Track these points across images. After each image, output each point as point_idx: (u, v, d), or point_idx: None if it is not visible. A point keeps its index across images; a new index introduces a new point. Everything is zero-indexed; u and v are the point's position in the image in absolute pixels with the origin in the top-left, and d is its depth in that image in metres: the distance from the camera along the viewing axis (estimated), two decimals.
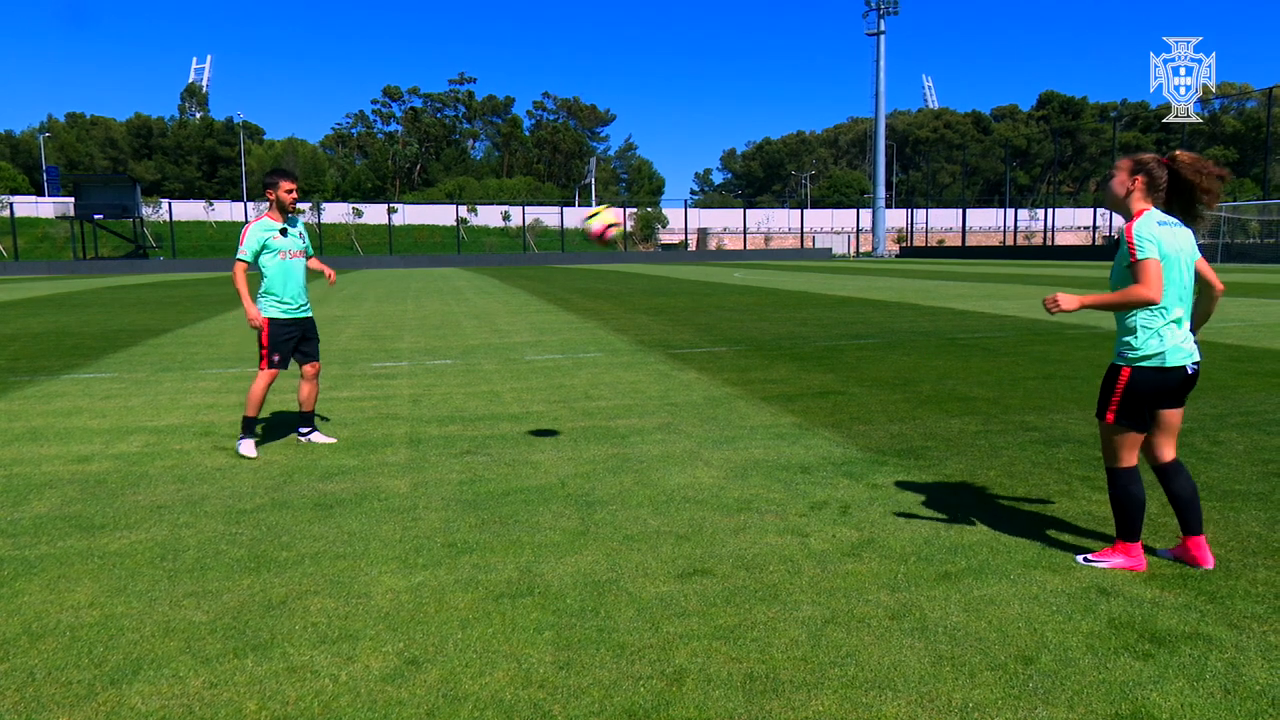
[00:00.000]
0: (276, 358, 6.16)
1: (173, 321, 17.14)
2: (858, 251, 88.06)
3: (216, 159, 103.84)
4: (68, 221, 67.08)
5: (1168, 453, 3.82)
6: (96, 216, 63.96)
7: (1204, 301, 3.88)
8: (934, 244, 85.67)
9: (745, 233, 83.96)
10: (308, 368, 6.39)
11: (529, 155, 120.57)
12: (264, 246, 6.10)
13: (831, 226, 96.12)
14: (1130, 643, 3.07)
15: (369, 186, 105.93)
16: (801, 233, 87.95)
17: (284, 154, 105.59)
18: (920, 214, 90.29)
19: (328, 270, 6.73)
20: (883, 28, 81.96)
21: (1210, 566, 3.72)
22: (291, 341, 6.25)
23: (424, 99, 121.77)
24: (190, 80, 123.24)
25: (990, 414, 6.95)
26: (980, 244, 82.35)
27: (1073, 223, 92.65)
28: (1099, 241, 72.97)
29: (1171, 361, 3.63)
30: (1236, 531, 4.17)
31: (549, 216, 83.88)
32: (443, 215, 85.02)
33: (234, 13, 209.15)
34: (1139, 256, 3.54)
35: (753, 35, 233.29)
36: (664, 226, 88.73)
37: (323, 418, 7.23)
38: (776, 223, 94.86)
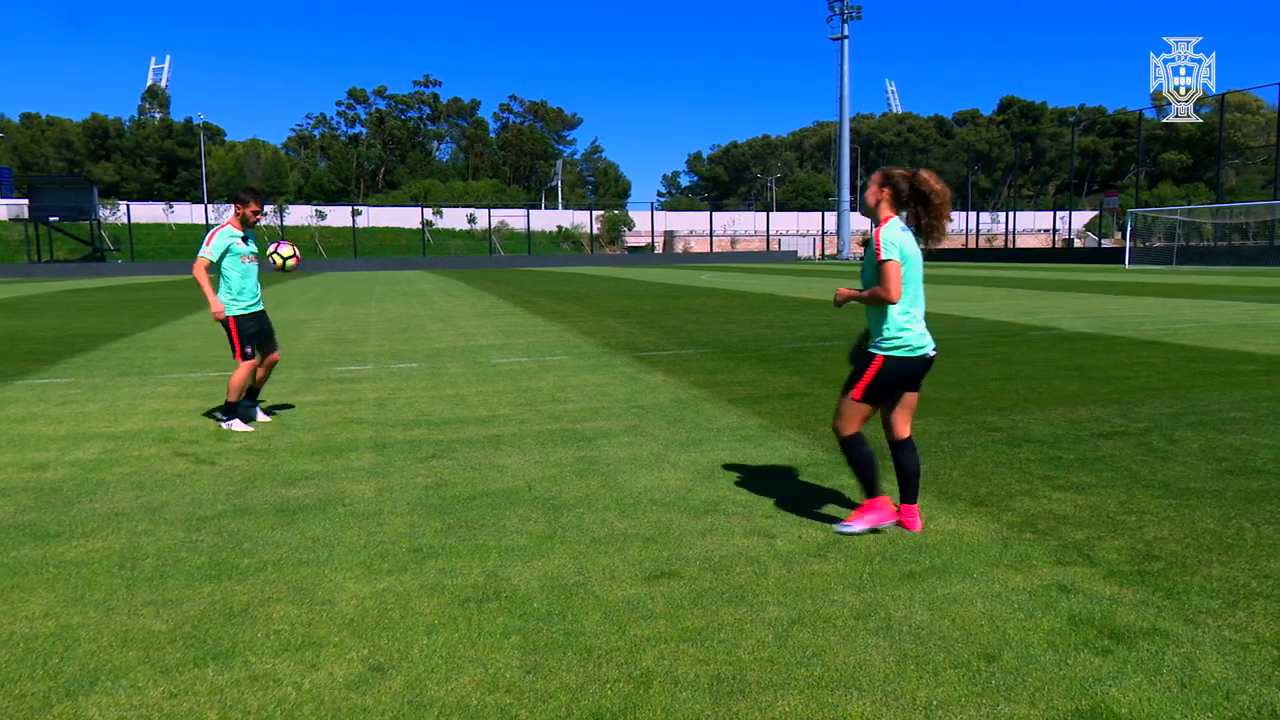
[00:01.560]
0: (249, 349, 7.00)
1: (131, 325, 16.84)
2: (823, 254, 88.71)
3: (176, 161, 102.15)
4: (22, 224, 65.57)
5: (904, 430, 4.36)
6: (52, 219, 62.56)
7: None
8: None
9: (711, 235, 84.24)
10: (269, 357, 7.34)
11: (495, 158, 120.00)
12: (228, 250, 6.91)
13: (797, 229, 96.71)
14: (1090, 639, 3.13)
15: (333, 189, 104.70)
16: (767, 235, 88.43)
17: (245, 156, 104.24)
18: None
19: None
20: (846, 32, 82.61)
21: (919, 530, 4.28)
22: (255, 331, 7.11)
23: (389, 100, 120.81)
24: (149, 81, 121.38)
25: (953, 415, 7.03)
26: (943, 246, 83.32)
27: (1033, 225, 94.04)
28: (1059, 244, 74.17)
29: (916, 350, 4.16)
30: (1192, 528, 4.26)
31: (515, 219, 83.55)
32: (408, 218, 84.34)
33: (194, 12, 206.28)
34: (884, 257, 4.05)
35: (718, 39, 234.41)
36: (630, 229, 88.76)
37: (279, 407, 7.54)
38: (743, 225, 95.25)
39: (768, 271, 44.66)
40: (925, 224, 4.15)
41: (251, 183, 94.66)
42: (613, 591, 3.63)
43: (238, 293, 6.96)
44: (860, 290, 4.19)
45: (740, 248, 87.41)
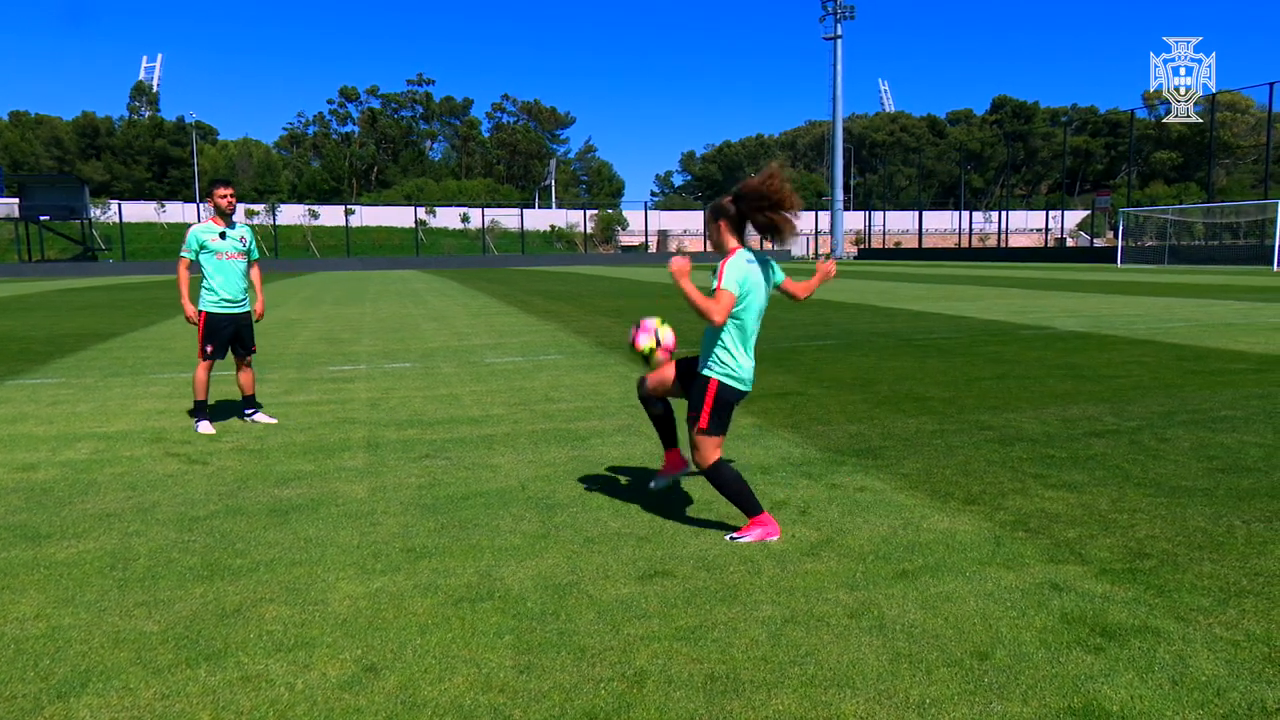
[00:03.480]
0: (210, 348, 6.85)
1: (123, 325, 16.77)
2: (816, 253, 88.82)
3: (167, 159, 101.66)
4: (12, 223, 65.29)
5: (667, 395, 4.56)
6: (43, 218, 62.35)
7: (799, 290, 4.50)
8: (891, 246, 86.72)
9: (705, 235, 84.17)
10: (245, 360, 7.09)
11: (488, 157, 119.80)
12: (203, 246, 6.79)
13: None
14: (1082, 637, 3.14)
15: (325, 188, 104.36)
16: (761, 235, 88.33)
17: (238, 155, 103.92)
18: (878, 216, 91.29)
19: (259, 302, 7.33)
20: (839, 32, 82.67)
21: (688, 465, 4.64)
22: (226, 334, 6.91)
23: (381, 99, 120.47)
24: (140, 79, 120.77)
25: (946, 414, 7.05)
26: (936, 245, 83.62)
27: (1025, 225, 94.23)
28: (1051, 243, 74.38)
29: (745, 383, 4.23)
30: (1184, 526, 4.27)
31: (508, 219, 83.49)
32: (401, 217, 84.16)
33: (186, 10, 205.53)
34: (720, 285, 4.06)
35: (711, 39, 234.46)
36: (624, 229, 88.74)
37: (261, 403, 7.42)
38: None
39: None
40: (772, 219, 4.07)
41: (244, 181, 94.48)
42: (606, 591, 3.63)
43: (215, 290, 6.83)
44: (697, 288, 4.10)
45: None
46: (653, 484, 4.85)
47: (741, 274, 4.10)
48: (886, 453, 5.83)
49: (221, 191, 6.76)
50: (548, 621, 3.35)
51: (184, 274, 6.86)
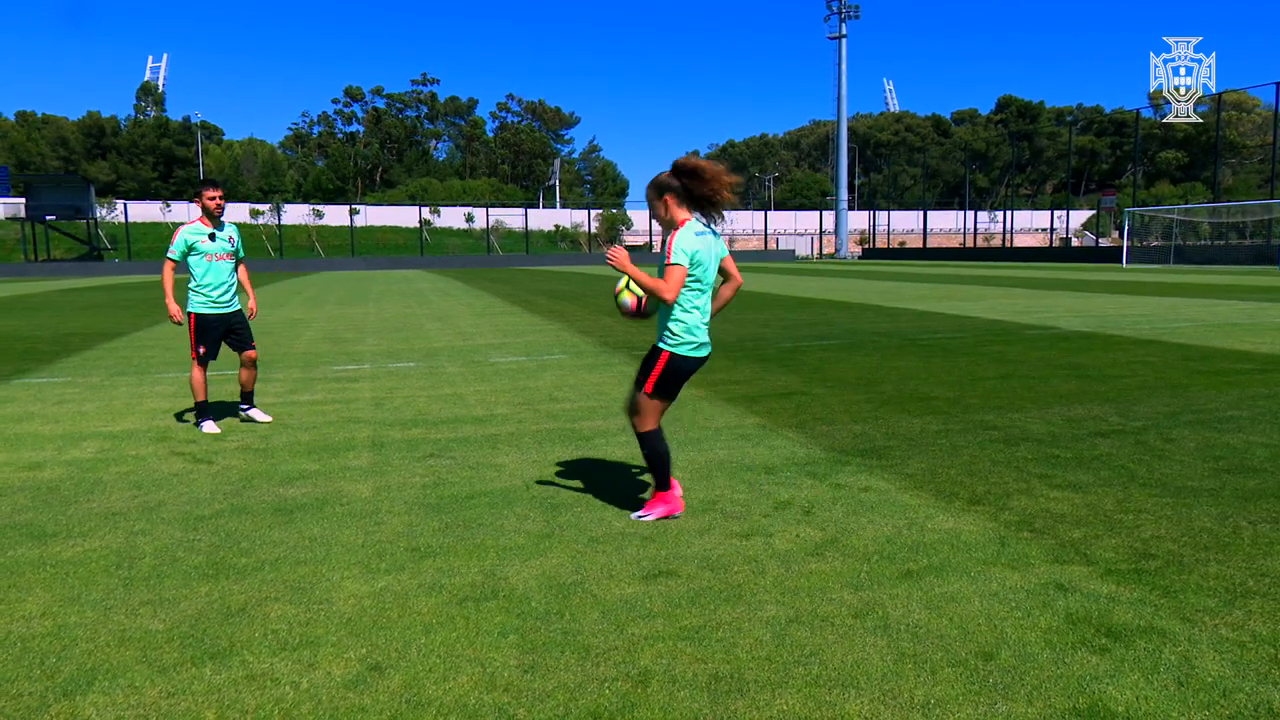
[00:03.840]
0: (202, 350, 6.85)
1: (128, 325, 16.81)
2: (821, 253, 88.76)
3: (173, 159, 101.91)
4: (18, 223, 65.51)
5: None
6: (49, 218, 62.48)
7: (726, 290, 4.56)
8: (896, 246, 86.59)
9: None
10: (245, 355, 7.01)
11: (492, 157, 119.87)
12: (191, 247, 6.76)
13: (795, 228, 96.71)
14: (1087, 638, 3.13)
15: (330, 187, 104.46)
16: (765, 235, 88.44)
17: (243, 155, 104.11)
18: (882, 216, 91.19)
19: (251, 301, 7.29)
20: (844, 31, 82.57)
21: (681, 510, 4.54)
22: (217, 333, 6.90)
23: (386, 99, 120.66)
24: (146, 79, 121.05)
25: (951, 413, 7.04)
26: (941, 245, 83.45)
27: (1031, 224, 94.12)
28: (1056, 243, 74.24)
29: (700, 352, 4.36)
30: (1189, 527, 4.26)
31: (513, 218, 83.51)
32: (405, 217, 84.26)
33: (191, 11, 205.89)
34: (671, 261, 4.17)
35: (715, 39, 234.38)
36: (628, 228, 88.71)
37: (255, 403, 7.31)
38: (740, 225, 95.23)
39: (765, 270, 44.66)
40: (711, 197, 4.24)
41: (249, 181, 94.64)
42: (610, 590, 3.63)
43: (204, 291, 6.80)
44: (646, 277, 4.26)
45: (738, 247, 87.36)
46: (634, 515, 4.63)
47: (691, 246, 4.20)
48: (891, 453, 5.82)
49: (210, 194, 6.73)
50: (552, 621, 3.35)
51: (169, 275, 6.83)
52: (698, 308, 4.32)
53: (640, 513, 4.53)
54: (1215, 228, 56.71)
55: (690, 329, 4.31)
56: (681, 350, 4.31)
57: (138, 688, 2.89)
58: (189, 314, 6.84)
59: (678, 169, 4.27)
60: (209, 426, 6.83)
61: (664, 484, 4.49)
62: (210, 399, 7.65)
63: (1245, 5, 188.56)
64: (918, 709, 2.69)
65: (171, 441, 6.57)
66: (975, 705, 2.70)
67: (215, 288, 6.84)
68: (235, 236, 7.01)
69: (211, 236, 6.79)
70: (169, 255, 6.80)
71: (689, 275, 4.24)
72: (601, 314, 17.54)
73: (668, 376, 4.34)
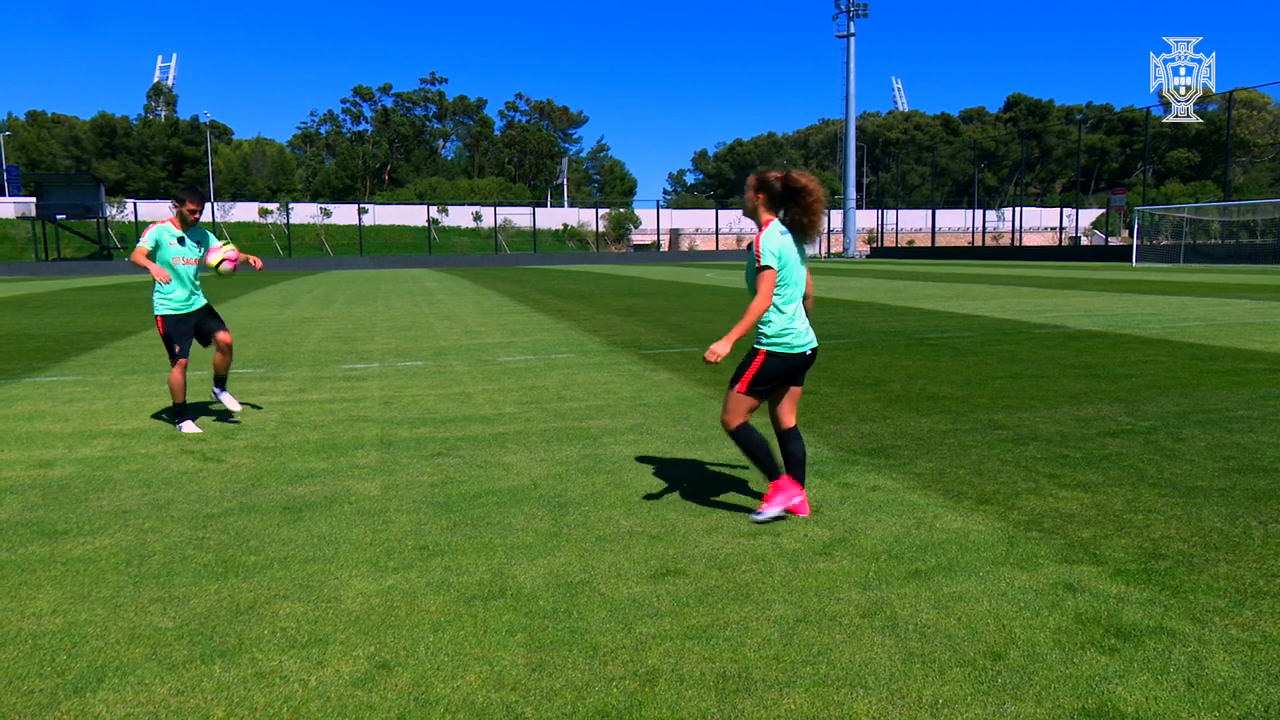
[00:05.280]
0: (177, 349, 6.86)
1: (138, 323, 16.88)
2: (829, 252, 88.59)
3: (182, 159, 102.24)
4: (29, 222, 65.86)
5: (789, 420, 4.57)
6: (59, 217, 62.80)
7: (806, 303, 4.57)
8: (904, 244, 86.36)
9: (717, 233, 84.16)
10: (219, 338, 7.05)
11: (500, 156, 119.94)
12: (158, 245, 6.76)
13: None
14: (1096, 638, 3.12)
15: (338, 186, 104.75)
16: None
17: (251, 154, 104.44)
18: (890, 215, 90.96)
19: (252, 257, 7.32)
20: (852, 30, 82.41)
21: (807, 514, 4.47)
22: (187, 328, 6.94)
23: (395, 98, 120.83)
24: (156, 79, 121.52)
25: (959, 413, 7.02)
26: (949, 244, 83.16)
27: (1040, 223, 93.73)
28: (1065, 242, 73.95)
29: (796, 347, 4.34)
30: (1199, 527, 4.24)
31: (520, 217, 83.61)
32: (413, 216, 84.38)
33: (201, 10, 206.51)
34: (762, 264, 4.22)
35: (723, 38, 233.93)
36: (636, 227, 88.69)
37: (225, 392, 7.26)
38: (749, 223, 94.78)
39: None
40: (802, 221, 4.29)
41: (257, 180, 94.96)
42: (618, 589, 3.63)
43: (167, 293, 6.78)
44: (736, 325, 4.23)
45: (747, 245, 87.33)
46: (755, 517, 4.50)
47: (777, 245, 4.25)
48: (899, 452, 5.81)
49: (192, 206, 6.78)
50: (560, 619, 3.35)
51: (143, 256, 6.68)
52: (789, 305, 4.33)
53: (759, 512, 4.42)
54: (1226, 226, 56.39)
55: (782, 329, 4.31)
56: (777, 348, 4.32)
57: (147, 685, 2.90)
58: (156, 317, 6.86)
59: (788, 181, 4.27)
60: (188, 427, 6.83)
61: (773, 473, 4.44)
62: (209, 400, 7.66)
63: (1249, 3, 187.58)
64: (926, 709, 2.68)
65: (181, 440, 6.59)
66: (984, 705, 2.70)
67: (179, 290, 6.83)
68: (204, 240, 7.00)
69: (181, 240, 6.83)
70: (142, 244, 6.75)
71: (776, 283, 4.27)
72: (609, 313, 17.54)
73: (762, 375, 4.35)
